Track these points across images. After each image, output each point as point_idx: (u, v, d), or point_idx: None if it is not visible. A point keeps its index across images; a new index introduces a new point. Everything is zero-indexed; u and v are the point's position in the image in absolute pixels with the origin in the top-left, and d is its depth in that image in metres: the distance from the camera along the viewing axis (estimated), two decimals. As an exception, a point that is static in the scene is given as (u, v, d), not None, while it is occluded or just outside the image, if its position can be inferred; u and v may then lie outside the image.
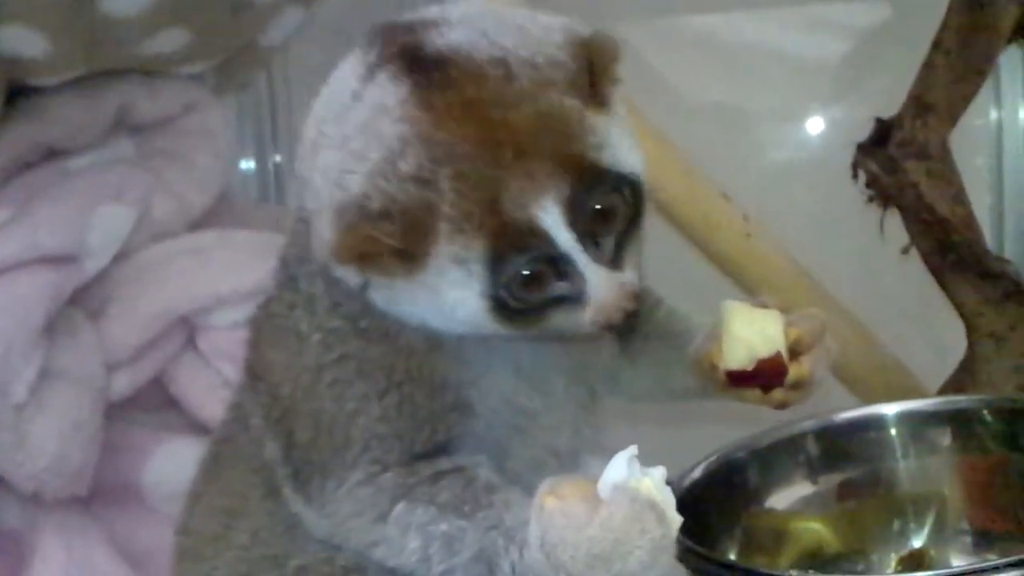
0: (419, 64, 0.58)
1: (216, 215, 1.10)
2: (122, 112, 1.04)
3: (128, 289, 0.98)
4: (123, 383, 0.98)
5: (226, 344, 1.00)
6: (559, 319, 0.59)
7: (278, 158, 1.56)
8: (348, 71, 0.61)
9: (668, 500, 0.56)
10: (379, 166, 0.56)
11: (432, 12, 0.61)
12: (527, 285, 0.58)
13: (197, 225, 1.07)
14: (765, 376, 0.66)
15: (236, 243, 1.04)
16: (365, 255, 0.57)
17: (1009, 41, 1.10)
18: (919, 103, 1.06)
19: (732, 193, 1.09)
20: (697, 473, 0.75)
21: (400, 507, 0.61)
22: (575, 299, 0.58)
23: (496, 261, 0.56)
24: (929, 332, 1.21)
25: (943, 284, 1.03)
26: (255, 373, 0.68)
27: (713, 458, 0.76)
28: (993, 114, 1.33)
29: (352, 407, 0.62)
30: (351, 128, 0.58)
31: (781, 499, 0.77)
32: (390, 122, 0.57)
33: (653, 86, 1.37)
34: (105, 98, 1.03)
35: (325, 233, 0.59)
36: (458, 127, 0.56)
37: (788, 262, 1.11)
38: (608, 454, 0.58)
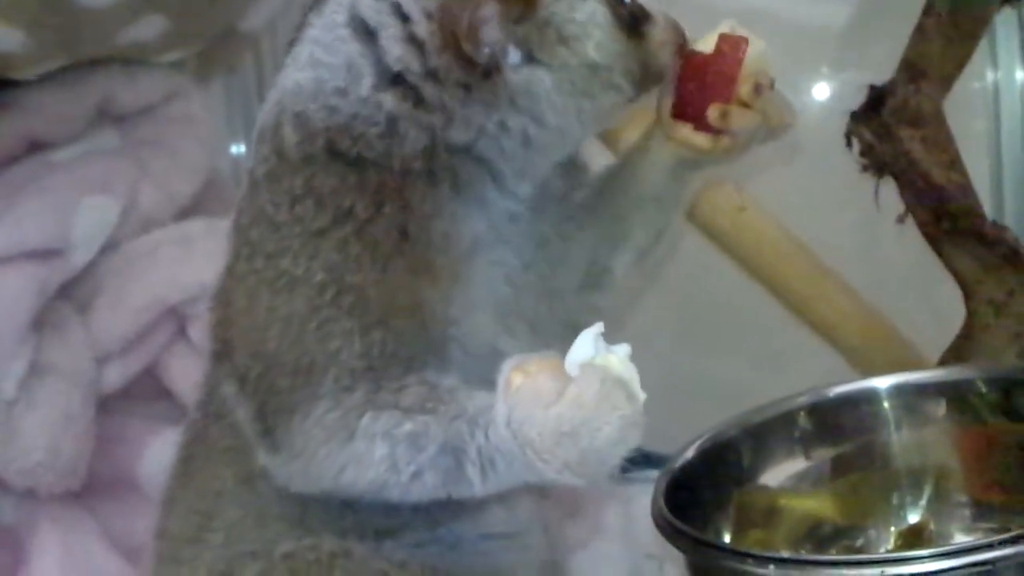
0: None
1: (203, 202, 1.09)
2: (104, 102, 1.03)
3: (115, 281, 0.98)
4: (114, 375, 0.97)
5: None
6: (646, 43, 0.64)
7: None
8: None
9: (634, 377, 0.56)
10: None
11: None
12: None
13: (184, 213, 1.06)
14: (709, 82, 0.67)
15: (223, 231, 1.03)
16: (478, 21, 0.58)
17: (1003, 3, 1.08)
18: (912, 69, 1.04)
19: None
20: (690, 453, 0.74)
21: (366, 418, 0.60)
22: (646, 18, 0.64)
23: None
24: (930, 300, 1.20)
25: (940, 252, 1.01)
26: (227, 348, 0.66)
27: (706, 437, 0.75)
28: (990, 76, 1.31)
29: (335, 345, 0.60)
30: None
31: (774, 476, 0.76)
32: None
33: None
34: (86, 89, 1.02)
35: (426, 35, 0.59)
36: None
37: (783, 234, 1.10)
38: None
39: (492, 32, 0.59)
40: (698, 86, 0.68)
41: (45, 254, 0.92)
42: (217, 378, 0.68)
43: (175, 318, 1.00)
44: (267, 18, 1.07)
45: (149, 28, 0.97)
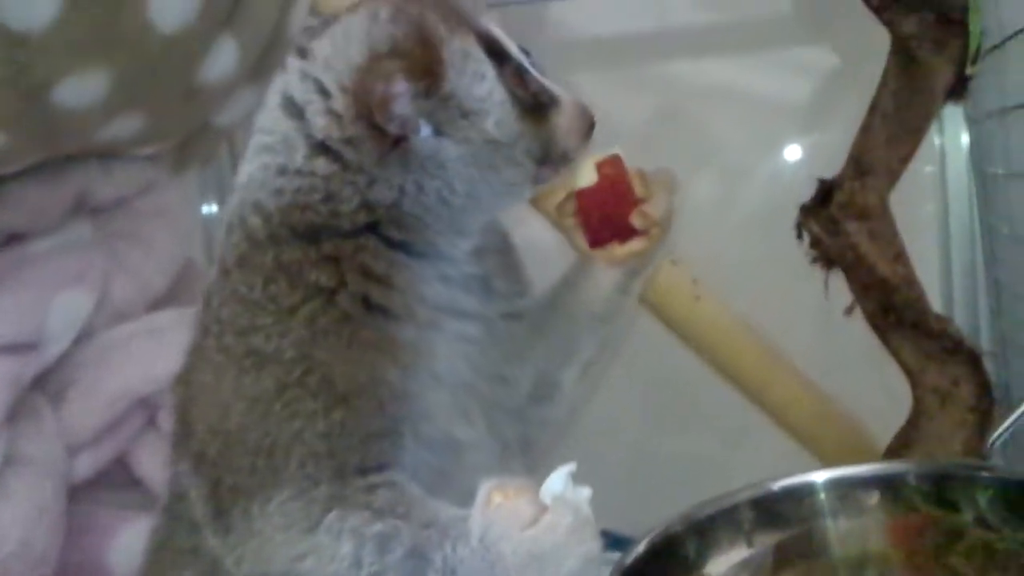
0: None
1: (175, 291, 1.12)
2: (80, 195, 1.06)
3: (89, 372, 1.00)
4: (85, 465, 0.99)
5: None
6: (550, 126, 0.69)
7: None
8: None
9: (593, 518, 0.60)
10: (370, 32, 0.65)
11: None
12: (518, 77, 0.68)
13: (157, 303, 1.09)
14: (612, 204, 0.74)
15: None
16: (388, 96, 0.64)
17: (946, 100, 1.13)
18: (858, 164, 1.09)
19: (688, 245, 1.11)
20: (641, 548, 0.77)
21: (333, 515, 0.62)
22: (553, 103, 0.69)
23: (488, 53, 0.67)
24: (884, 387, 1.23)
25: (886, 342, 1.05)
26: (187, 428, 0.69)
27: (656, 532, 0.78)
28: (937, 164, 1.36)
29: (298, 426, 0.63)
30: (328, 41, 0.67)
31: (719, 564, 0.79)
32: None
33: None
34: (64, 183, 1.04)
35: (343, 108, 0.65)
36: None
37: (736, 322, 1.14)
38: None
39: (401, 105, 0.65)
40: (603, 212, 0.76)
41: (20, 348, 0.94)
42: (176, 461, 0.70)
43: (146, 408, 1.02)
44: (242, 114, 1.10)
45: (127, 125, 1.00)
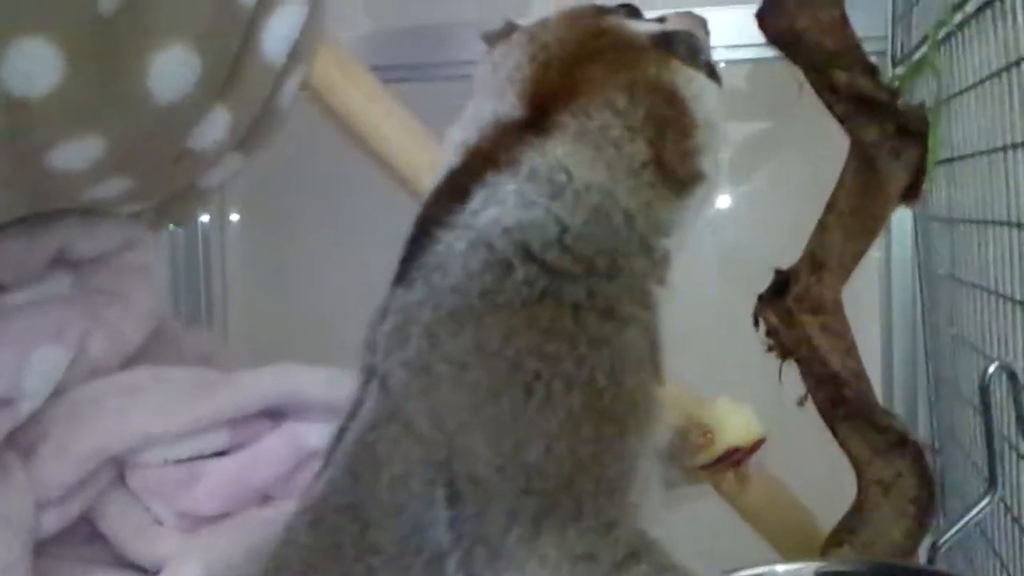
0: None
1: (148, 347, 1.13)
2: (61, 250, 1.07)
3: (61, 429, 1.00)
4: (52, 521, 0.99)
5: (156, 482, 1.03)
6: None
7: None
8: None
9: None
10: (626, 123, 0.71)
11: None
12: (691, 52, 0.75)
13: (131, 359, 1.10)
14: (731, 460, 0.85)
15: (169, 381, 1.08)
16: (684, 159, 0.72)
17: (900, 202, 1.19)
18: (814, 260, 1.15)
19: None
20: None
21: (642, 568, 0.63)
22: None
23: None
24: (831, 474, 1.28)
25: (835, 433, 1.10)
26: (439, 462, 0.65)
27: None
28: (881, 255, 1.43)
29: (602, 451, 0.64)
30: None
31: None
32: None
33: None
34: (45, 237, 1.06)
35: (650, 180, 0.71)
36: None
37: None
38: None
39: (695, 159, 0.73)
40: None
41: (-4, 404, 0.95)
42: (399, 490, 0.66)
43: (115, 465, 1.03)
44: (226, 177, 1.13)
45: (115, 187, 1.02)
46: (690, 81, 0.73)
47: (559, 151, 0.70)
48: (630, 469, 0.66)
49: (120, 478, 1.04)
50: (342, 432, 0.72)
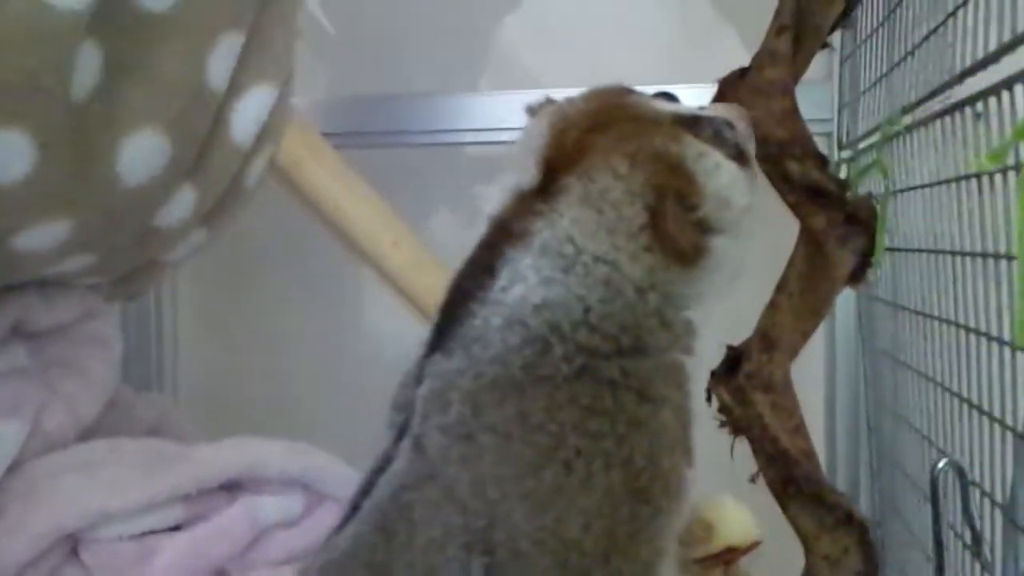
0: None
1: (104, 419, 1.12)
2: (19, 322, 1.06)
3: (16, 506, 0.99)
4: (5, 599, 0.98)
5: (110, 558, 1.02)
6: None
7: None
8: None
9: None
10: (627, 190, 0.72)
11: None
12: (715, 138, 0.75)
13: (87, 431, 1.10)
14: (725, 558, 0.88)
15: (125, 455, 1.07)
16: (684, 234, 0.72)
17: (847, 284, 1.24)
18: (765, 339, 1.18)
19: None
20: None
21: None
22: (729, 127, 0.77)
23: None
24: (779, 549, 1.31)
25: (785, 510, 1.13)
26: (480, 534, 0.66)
27: None
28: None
29: (637, 530, 0.67)
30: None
31: None
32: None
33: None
34: (3, 309, 1.05)
35: (651, 260, 0.71)
36: None
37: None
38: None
39: (696, 234, 0.73)
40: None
41: (-50, 481, 0.94)
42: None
43: (69, 540, 1.02)
44: (190, 252, 1.13)
45: (76, 263, 1.02)
46: (701, 156, 0.74)
47: (565, 220, 0.71)
48: (661, 551, 0.68)
49: (74, 553, 1.04)
50: (369, 486, 0.72)
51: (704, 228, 0.73)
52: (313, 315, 1.71)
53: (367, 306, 1.74)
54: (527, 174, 0.74)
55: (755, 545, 0.87)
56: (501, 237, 0.73)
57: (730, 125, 0.78)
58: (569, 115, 0.75)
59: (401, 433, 0.72)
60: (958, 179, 0.80)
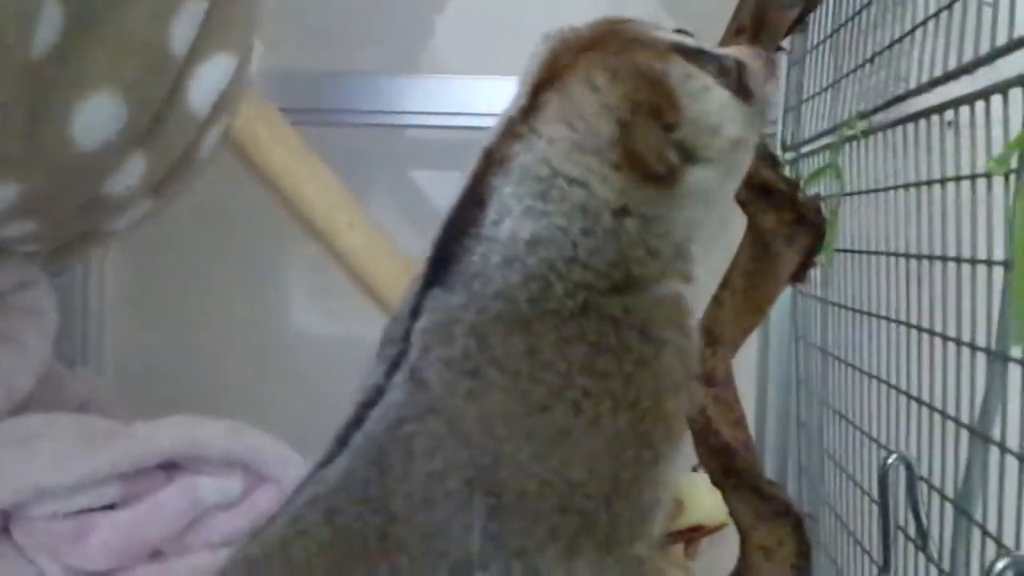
0: None
1: (36, 393, 1.09)
2: (-49, 289, 1.03)
3: (-50, 480, 0.96)
4: (-67, 577, 0.95)
5: (44, 536, 0.99)
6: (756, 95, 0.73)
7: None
8: None
9: None
10: (604, 103, 0.68)
11: None
12: (718, 67, 0.71)
13: (21, 404, 1.06)
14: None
15: (61, 430, 1.04)
16: (656, 150, 0.68)
17: (789, 282, 1.26)
18: (709, 334, 1.20)
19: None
20: None
21: None
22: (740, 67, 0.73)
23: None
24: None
25: (725, 500, 1.16)
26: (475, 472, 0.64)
27: None
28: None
29: (639, 473, 0.65)
30: None
31: None
32: None
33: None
34: (-65, 275, 1.01)
35: (621, 180, 0.67)
36: None
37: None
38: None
39: (669, 153, 0.68)
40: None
41: None
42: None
43: (1, 517, 0.99)
44: (135, 222, 1.10)
45: (18, 230, 0.98)
46: (688, 77, 0.70)
47: (543, 140, 0.69)
48: (660, 498, 0.67)
49: (5, 530, 1.00)
50: (358, 419, 0.69)
51: (684, 152, 0.69)
52: (241, 293, 1.68)
53: (295, 285, 1.71)
54: (516, 99, 0.72)
55: (720, 527, 0.88)
56: (487, 166, 0.70)
57: (740, 63, 0.74)
58: (568, 39, 0.72)
59: (394, 366, 0.69)
60: (929, 183, 0.83)
